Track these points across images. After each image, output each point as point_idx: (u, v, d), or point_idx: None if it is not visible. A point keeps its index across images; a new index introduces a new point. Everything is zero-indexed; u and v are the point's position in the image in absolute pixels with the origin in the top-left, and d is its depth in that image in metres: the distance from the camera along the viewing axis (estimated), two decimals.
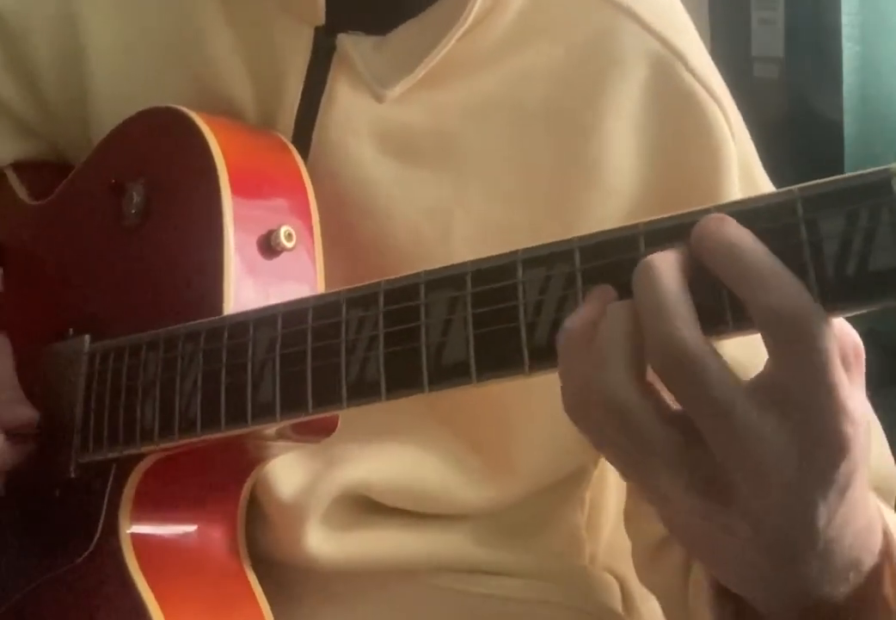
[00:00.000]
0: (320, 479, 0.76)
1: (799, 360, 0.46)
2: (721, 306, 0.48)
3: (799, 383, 0.47)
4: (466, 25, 0.73)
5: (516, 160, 0.75)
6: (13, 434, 0.74)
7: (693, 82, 0.75)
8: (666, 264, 0.48)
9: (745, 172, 0.76)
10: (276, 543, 0.76)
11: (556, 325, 0.52)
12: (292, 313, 0.63)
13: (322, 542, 0.76)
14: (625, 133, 0.74)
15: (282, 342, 0.62)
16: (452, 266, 0.57)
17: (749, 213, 0.48)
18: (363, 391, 0.58)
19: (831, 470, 0.48)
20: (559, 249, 0.53)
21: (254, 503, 0.76)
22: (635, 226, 0.51)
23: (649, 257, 0.49)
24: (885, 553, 0.54)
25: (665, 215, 0.50)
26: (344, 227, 0.76)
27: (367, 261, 0.77)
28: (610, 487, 0.93)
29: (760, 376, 0.48)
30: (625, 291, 0.50)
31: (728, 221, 0.48)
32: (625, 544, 0.89)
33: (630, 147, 0.75)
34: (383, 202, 0.76)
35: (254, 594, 0.72)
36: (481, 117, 0.76)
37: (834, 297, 0.45)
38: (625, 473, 0.52)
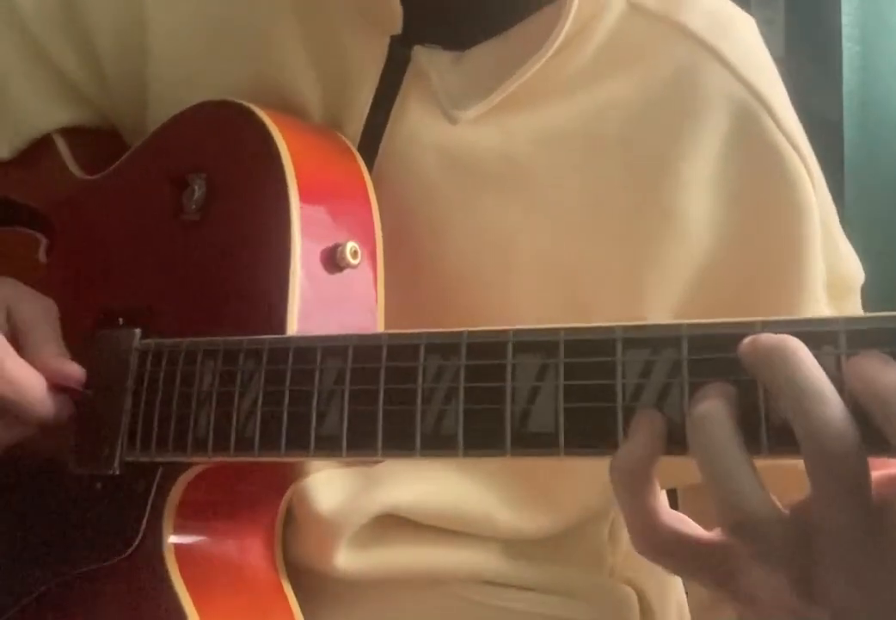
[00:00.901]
0: (360, 497, 0.75)
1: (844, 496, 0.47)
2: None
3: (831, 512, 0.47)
4: (551, 53, 0.71)
5: (587, 194, 0.74)
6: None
7: (777, 134, 0.73)
8: (722, 415, 0.48)
9: (825, 230, 0.75)
10: (305, 551, 0.76)
11: (658, 408, 0.51)
12: (364, 348, 0.61)
13: (352, 557, 0.76)
14: (702, 180, 0.73)
15: (352, 377, 0.61)
16: (544, 330, 0.55)
17: (880, 332, 0.47)
18: (439, 444, 0.58)
19: None
20: (665, 334, 0.51)
21: (291, 515, 0.75)
22: (752, 324, 0.49)
23: (702, 411, 0.49)
24: None
25: (786, 318, 0.49)
26: (403, 244, 0.74)
27: (423, 281, 0.76)
28: None
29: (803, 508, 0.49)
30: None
31: (799, 343, 0.47)
32: None
33: (707, 196, 0.73)
34: (445, 222, 0.75)
35: (289, 606, 0.72)
36: (554, 147, 0.74)
37: None
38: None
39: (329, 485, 0.75)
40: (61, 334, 0.76)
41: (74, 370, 0.72)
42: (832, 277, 0.77)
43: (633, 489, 0.51)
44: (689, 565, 0.53)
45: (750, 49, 0.78)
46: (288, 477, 0.73)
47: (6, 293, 0.75)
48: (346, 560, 0.76)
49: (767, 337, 0.48)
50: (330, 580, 0.78)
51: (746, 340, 0.48)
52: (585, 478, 0.77)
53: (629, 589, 0.90)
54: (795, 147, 0.73)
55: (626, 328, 0.53)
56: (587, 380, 0.53)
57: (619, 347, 0.53)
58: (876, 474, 0.48)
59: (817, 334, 0.48)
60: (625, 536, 0.92)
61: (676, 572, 0.55)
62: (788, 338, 0.48)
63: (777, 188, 0.73)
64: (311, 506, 0.75)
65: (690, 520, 0.53)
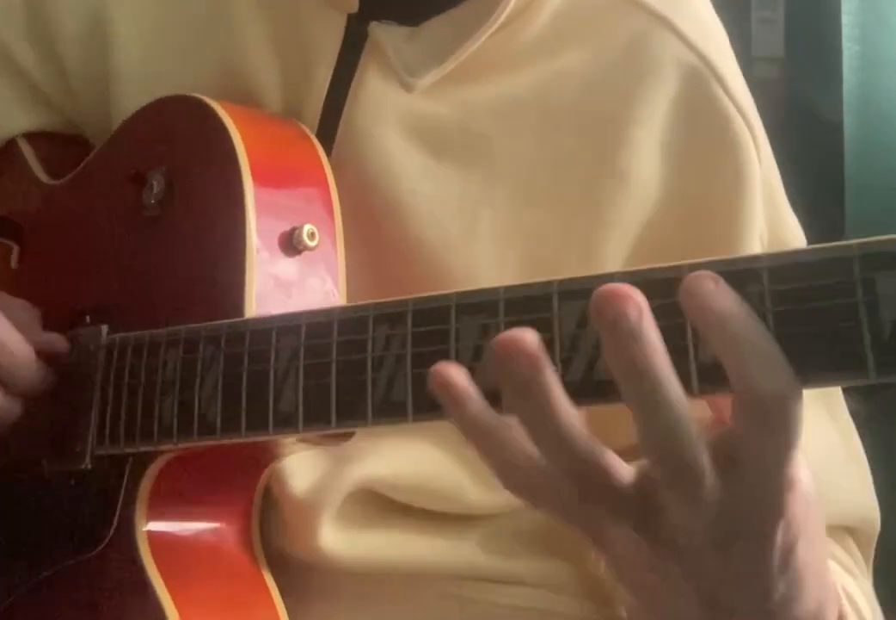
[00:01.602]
0: (333, 476, 0.75)
1: (769, 433, 0.47)
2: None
3: (756, 450, 0.48)
4: (500, 21, 0.72)
5: (545, 163, 0.75)
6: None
7: (726, 100, 0.74)
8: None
9: (768, 197, 0.76)
10: (290, 540, 0.76)
11: (591, 361, 0.51)
12: (317, 325, 0.62)
13: (336, 539, 0.76)
14: (652, 144, 0.74)
15: (305, 353, 0.62)
16: (485, 291, 0.56)
17: (802, 266, 0.46)
18: (389, 411, 0.58)
19: (767, 535, 0.49)
20: (599, 284, 0.51)
21: (268, 499, 0.76)
22: (680, 267, 0.49)
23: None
24: None
25: (713, 258, 0.49)
26: (367, 218, 0.75)
27: (389, 254, 0.76)
28: None
29: (725, 435, 0.49)
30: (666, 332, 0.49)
31: (722, 283, 0.47)
32: None
33: (656, 157, 0.74)
34: (408, 195, 0.75)
35: (269, 593, 0.72)
36: (511, 117, 0.75)
37: (889, 361, 0.44)
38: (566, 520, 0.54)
39: (302, 467, 0.75)
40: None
41: (56, 338, 0.74)
42: (773, 240, 0.78)
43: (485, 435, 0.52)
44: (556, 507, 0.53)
45: (701, 19, 0.79)
46: (260, 463, 0.73)
47: None
48: (331, 541, 0.76)
49: (690, 278, 0.48)
50: (317, 572, 0.78)
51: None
52: None
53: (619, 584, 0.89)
54: (742, 114, 0.75)
55: (561, 282, 0.53)
56: None
57: (556, 301, 0.53)
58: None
59: (741, 273, 0.48)
60: None
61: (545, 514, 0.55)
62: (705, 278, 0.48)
63: (720, 150, 0.74)
64: (287, 490, 0.75)
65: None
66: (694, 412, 0.49)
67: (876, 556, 0.78)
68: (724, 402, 0.51)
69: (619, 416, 0.51)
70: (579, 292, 0.52)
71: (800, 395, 0.47)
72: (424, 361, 0.57)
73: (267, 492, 0.76)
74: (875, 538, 0.79)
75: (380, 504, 0.78)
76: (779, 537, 0.50)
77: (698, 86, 0.74)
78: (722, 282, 0.47)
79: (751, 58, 1.85)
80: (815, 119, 1.80)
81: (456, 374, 0.51)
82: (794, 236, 0.82)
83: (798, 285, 0.46)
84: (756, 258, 0.48)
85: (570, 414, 0.50)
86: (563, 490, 0.52)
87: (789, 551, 0.51)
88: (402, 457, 0.76)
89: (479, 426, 0.52)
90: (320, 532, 0.75)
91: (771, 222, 0.78)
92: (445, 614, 0.79)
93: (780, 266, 0.47)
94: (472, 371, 0.55)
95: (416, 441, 0.76)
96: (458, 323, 0.56)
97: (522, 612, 0.80)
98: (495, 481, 0.53)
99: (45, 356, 0.73)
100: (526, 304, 0.54)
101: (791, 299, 0.46)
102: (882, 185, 1.68)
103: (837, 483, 0.77)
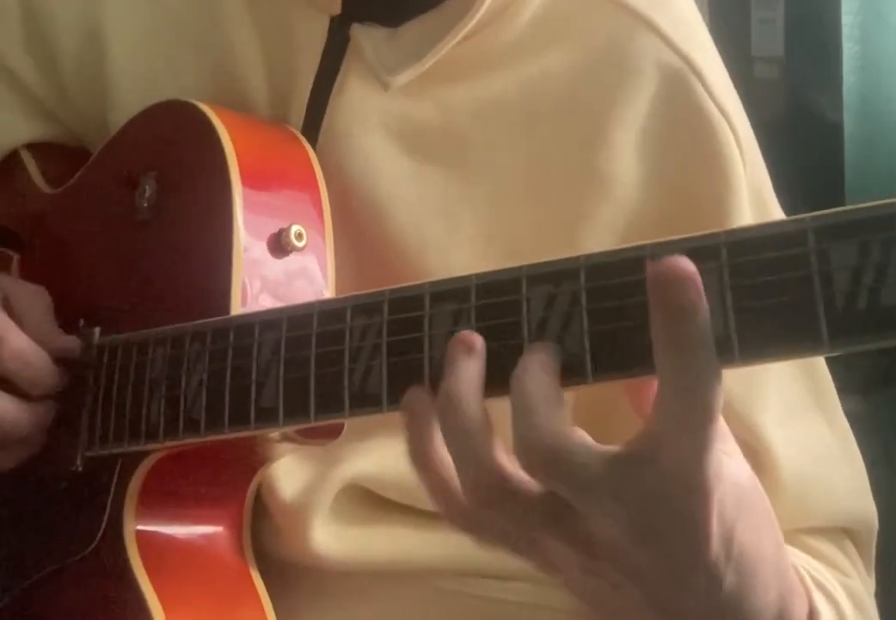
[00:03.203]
0: (321, 477, 0.76)
1: (688, 418, 0.47)
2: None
3: (676, 434, 0.48)
4: (476, 19, 0.73)
5: (525, 164, 0.75)
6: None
7: (707, 100, 0.73)
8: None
9: (755, 196, 0.75)
10: (281, 542, 0.76)
11: (559, 342, 0.51)
12: (298, 318, 0.62)
13: (327, 539, 0.76)
14: (631, 144, 0.73)
15: (286, 346, 0.62)
16: (457, 278, 0.56)
17: (758, 240, 0.46)
18: (365, 401, 0.58)
19: (700, 525, 0.49)
20: (565, 266, 0.51)
21: (258, 507, 0.76)
22: (642, 247, 0.49)
23: (520, 361, 0.51)
24: None
25: (674, 238, 0.49)
26: (348, 220, 0.75)
27: (370, 256, 0.76)
28: None
29: (637, 437, 0.49)
30: (626, 315, 0.49)
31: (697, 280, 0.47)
32: None
33: (636, 158, 0.73)
34: (388, 196, 0.75)
35: (258, 594, 0.72)
36: (492, 118, 0.75)
37: (842, 331, 0.44)
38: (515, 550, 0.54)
39: (291, 470, 0.75)
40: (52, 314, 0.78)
41: (69, 341, 0.74)
42: None
43: (427, 473, 0.54)
44: (498, 539, 0.54)
45: (684, 20, 0.78)
46: (251, 465, 0.73)
47: (2, 283, 0.77)
48: (323, 542, 0.76)
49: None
50: (309, 573, 0.78)
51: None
52: None
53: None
54: (725, 115, 0.73)
55: (530, 266, 0.53)
56: (497, 320, 0.53)
57: (525, 284, 0.53)
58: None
59: (700, 249, 0.48)
60: None
61: (493, 547, 0.55)
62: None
63: (701, 152, 0.73)
64: (277, 493, 0.75)
65: None
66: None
67: (875, 557, 0.77)
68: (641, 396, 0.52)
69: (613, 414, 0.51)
70: (547, 275, 0.52)
71: (719, 377, 0.47)
72: (399, 349, 0.57)
73: (257, 500, 0.76)
74: (874, 539, 0.78)
75: (370, 501, 0.78)
76: (713, 526, 0.49)
77: (680, 87, 0.73)
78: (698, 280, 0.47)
79: (751, 58, 1.83)
80: (815, 119, 1.79)
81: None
82: None
83: (755, 257, 0.46)
84: (715, 235, 0.48)
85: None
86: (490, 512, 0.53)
87: (728, 539, 0.50)
88: (388, 456, 0.75)
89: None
90: (312, 533, 0.75)
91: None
92: (438, 609, 0.79)
93: (738, 241, 0.47)
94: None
95: (400, 441, 0.76)
96: (432, 310, 0.56)
97: (515, 607, 0.79)
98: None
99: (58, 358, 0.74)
100: (496, 288, 0.54)
101: (748, 272, 0.46)
102: (882, 185, 1.67)
103: (832, 484, 0.76)
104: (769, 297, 0.45)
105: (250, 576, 0.73)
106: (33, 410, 0.73)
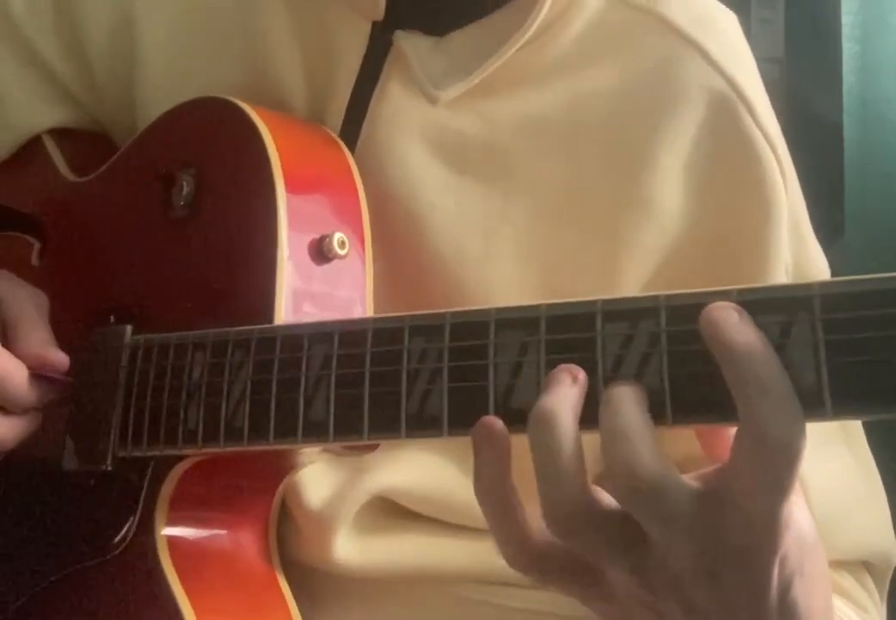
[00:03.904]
0: (348, 487, 0.75)
1: (768, 472, 0.48)
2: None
3: (753, 486, 0.48)
4: (529, 34, 0.72)
5: (568, 181, 0.74)
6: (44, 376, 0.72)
7: (753, 128, 0.73)
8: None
9: (793, 226, 0.75)
10: (304, 548, 0.76)
11: (638, 379, 0.51)
12: (350, 333, 0.62)
13: (350, 549, 0.76)
14: (677, 170, 0.73)
15: (338, 362, 0.61)
16: (525, 307, 0.56)
17: (854, 296, 0.47)
18: (424, 424, 0.58)
19: (764, 571, 0.50)
20: (644, 305, 0.51)
21: (282, 510, 0.76)
22: (729, 292, 0.50)
23: (614, 390, 0.51)
24: None
25: (764, 285, 0.49)
26: (385, 229, 0.75)
27: (406, 266, 0.76)
28: None
29: (715, 475, 0.50)
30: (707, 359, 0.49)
31: (745, 316, 0.48)
32: None
33: (680, 184, 0.73)
34: (427, 207, 0.75)
35: (285, 600, 0.72)
36: (535, 134, 0.74)
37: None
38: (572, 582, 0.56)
39: (318, 478, 0.75)
40: (50, 326, 0.75)
41: (56, 358, 0.72)
42: (797, 271, 0.77)
43: (496, 507, 0.54)
44: (560, 574, 0.55)
45: (732, 45, 0.78)
46: (281, 470, 0.73)
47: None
48: (345, 551, 0.76)
49: (712, 307, 0.49)
50: (330, 578, 0.78)
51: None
52: None
53: None
54: (770, 144, 0.73)
55: (606, 302, 0.53)
56: (569, 354, 0.53)
57: (600, 320, 0.53)
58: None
59: (792, 300, 0.48)
60: None
61: (549, 584, 0.56)
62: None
63: (747, 181, 0.73)
64: (303, 500, 0.75)
65: None
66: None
67: None
68: (714, 437, 0.53)
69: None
70: (623, 313, 0.52)
71: (804, 436, 0.48)
72: (461, 375, 0.57)
73: (282, 503, 0.76)
74: (890, 572, 0.79)
75: (395, 512, 0.78)
76: (774, 573, 0.50)
77: (726, 112, 0.73)
78: (745, 314, 0.48)
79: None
80: (815, 119, 1.80)
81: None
82: (819, 270, 0.81)
83: (850, 314, 0.46)
84: (808, 286, 0.48)
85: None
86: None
87: (786, 588, 0.51)
88: (418, 469, 0.76)
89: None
90: (335, 543, 0.75)
91: (796, 255, 0.77)
92: (459, 618, 0.79)
93: (832, 294, 0.47)
94: (511, 387, 0.55)
95: (431, 455, 0.76)
96: (498, 338, 0.56)
97: (536, 615, 0.80)
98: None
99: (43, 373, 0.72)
100: (568, 322, 0.54)
101: (843, 328, 0.46)
102: (882, 185, 1.68)
103: (856, 519, 0.77)
104: (863, 354, 0.46)
105: (277, 581, 0.73)
106: (13, 424, 0.71)
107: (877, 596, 0.78)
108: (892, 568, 0.79)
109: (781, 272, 0.75)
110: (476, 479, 0.54)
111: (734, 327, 0.48)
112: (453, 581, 0.79)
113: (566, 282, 0.74)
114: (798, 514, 0.51)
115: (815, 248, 0.80)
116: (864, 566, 0.78)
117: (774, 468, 0.48)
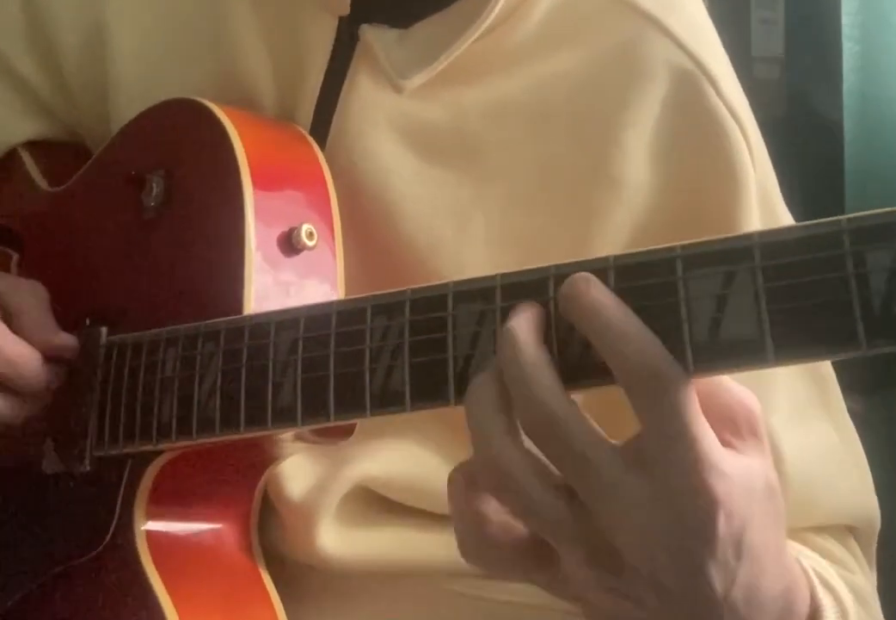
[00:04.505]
0: (329, 477, 0.76)
1: (657, 415, 0.48)
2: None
3: (656, 438, 0.49)
4: (489, 21, 0.73)
5: (537, 165, 0.75)
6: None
7: (717, 102, 0.74)
8: (524, 329, 0.51)
9: (764, 200, 0.75)
10: (288, 542, 0.76)
11: (587, 345, 0.51)
12: (315, 318, 0.62)
13: (334, 540, 0.76)
14: (642, 146, 0.74)
15: (304, 346, 0.62)
16: (481, 278, 0.56)
17: (793, 242, 0.47)
18: (387, 401, 0.58)
19: (708, 527, 0.49)
20: (592, 267, 0.52)
21: (265, 504, 0.76)
22: (673, 248, 0.50)
23: (510, 323, 0.51)
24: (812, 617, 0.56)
25: (706, 239, 0.49)
26: (358, 221, 0.75)
27: (380, 256, 0.76)
28: None
29: (631, 438, 0.50)
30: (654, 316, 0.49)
31: (594, 282, 0.50)
32: None
33: (647, 161, 0.74)
34: (399, 197, 0.75)
35: (268, 594, 0.72)
36: (502, 119, 0.75)
37: (879, 332, 0.44)
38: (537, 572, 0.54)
39: (299, 471, 0.75)
40: (49, 308, 0.77)
41: (66, 340, 0.74)
42: None
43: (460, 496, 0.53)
44: (513, 564, 0.54)
45: (694, 22, 0.78)
46: (260, 464, 0.73)
47: None
48: (328, 543, 0.76)
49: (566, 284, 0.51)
50: (315, 572, 0.78)
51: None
52: None
53: None
54: (735, 117, 0.74)
55: (557, 267, 0.53)
56: None
57: (552, 285, 0.53)
58: None
59: (733, 251, 0.48)
60: None
61: (504, 575, 0.56)
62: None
63: (713, 154, 0.73)
64: (284, 492, 0.75)
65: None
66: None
67: (877, 555, 0.79)
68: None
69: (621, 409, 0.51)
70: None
71: (682, 375, 0.48)
72: (422, 349, 0.57)
73: (264, 497, 0.76)
74: (875, 537, 0.79)
75: (378, 504, 0.78)
76: (719, 524, 0.49)
77: (690, 88, 0.74)
78: (594, 280, 0.50)
79: (751, 58, 1.84)
80: (815, 119, 1.80)
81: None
82: None
83: (789, 260, 0.46)
84: (748, 236, 0.48)
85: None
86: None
87: (738, 537, 0.50)
88: (396, 458, 0.76)
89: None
90: (319, 534, 0.75)
91: (766, 227, 0.77)
92: (442, 610, 0.79)
93: (771, 242, 0.47)
94: (470, 358, 0.55)
95: (408, 443, 0.76)
96: (456, 310, 0.56)
97: (518, 608, 0.79)
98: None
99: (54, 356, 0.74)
100: (523, 289, 0.54)
101: (783, 274, 0.46)
102: (882, 185, 1.67)
103: (838, 483, 0.77)
104: (804, 298, 0.46)
105: (260, 575, 0.73)
106: (22, 405, 0.73)
107: (863, 560, 0.77)
108: (877, 532, 0.78)
109: None
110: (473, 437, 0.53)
111: (585, 292, 0.50)
112: (436, 574, 0.78)
113: (539, 262, 0.74)
114: (739, 460, 0.50)
115: (787, 218, 0.81)
116: (848, 530, 0.77)
117: (665, 410, 0.48)
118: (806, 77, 1.85)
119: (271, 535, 0.76)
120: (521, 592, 0.80)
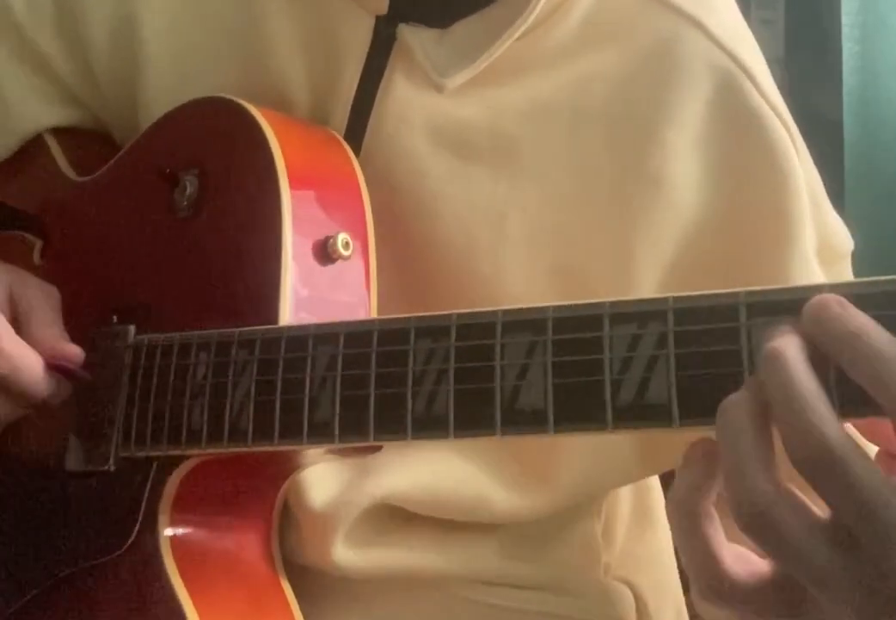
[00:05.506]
0: (352, 489, 0.75)
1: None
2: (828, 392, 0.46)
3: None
4: (530, 21, 0.72)
5: (574, 165, 0.75)
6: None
7: (761, 102, 0.74)
8: (794, 351, 0.46)
9: (811, 198, 0.75)
10: (304, 548, 0.76)
11: (643, 384, 0.51)
12: (356, 335, 0.62)
13: (349, 552, 0.76)
14: (687, 147, 0.74)
15: (343, 363, 0.61)
16: (532, 309, 0.56)
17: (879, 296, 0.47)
18: (430, 426, 0.58)
19: None
20: (651, 308, 0.52)
21: (285, 510, 0.76)
22: (736, 294, 0.50)
23: (776, 344, 0.46)
24: None
25: (769, 287, 0.49)
26: (394, 220, 0.75)
27: (415, 256, 0.76)
28: (623, 495, 0.93)
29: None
30: (714, 361, 0.49)
31: (848, 304, 0.46)
32: (638, 551, 0.90)
33: (692, 161, 0.74)
34: (436, 197, 0.75)
35: (287, 602, 0.72)
36: (540, 119, 0.75)
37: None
38: None
39: (322, 479, 0.75)
40: (62, 319, 0.76)
41: (72, 350, 0.72)
42: (821, 245, 0.78)
43: (688, 529, 0.49)
44: (755, 609, 0.49)
45: (730, 21, 0.78)
46: (284, 471, 0.73)
47: (10, 278, 0.75)
48: (344, 556, 0.76)
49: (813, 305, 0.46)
50: (329, 578, 0.78)
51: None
52: (577, 457, 0.77)
53: (624, 587, 0.89)
54: (778, 114, 0.74)
55: (613, 304, 0.53)
56: (576, 356, 0.53)
57: (607, 322, 0.53)
58: None
59: (803, 302, 0.48)
60: (619, 534, 0.92)
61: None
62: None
63: (760, 152, 0.73)
64: (305, 501, 0.75)
65: (752, 555, 0.50)
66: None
67: None
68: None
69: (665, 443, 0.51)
70: (630, 315, 0.52)
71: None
72: (468, 376, 0.57)
73: (287, 504, 0.76)
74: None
75: (396, 517, 0.78)
76: None
77: (732, 87, 0.74)
78: (844, 301, 0.46)
79: None
80: (816, 119, 1.81)
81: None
82: (840, 241, 0.82)
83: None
84: (818, 287, 0.48)
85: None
86: None
87: None
88: (424, 470, 0.76)
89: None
90: (334, 546, 0.75)
91: (818, 226, 0.77)
92: (454, 616, 0.79)
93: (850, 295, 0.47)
94: (518, 389, 0.55)
95: (439, 452, 0.76)
96: (504, 339, 0.56)
97: (529, 615, 0.80)
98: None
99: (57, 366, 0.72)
100: (575, 324, 0.54)
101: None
102: (882, 185, 1.68)
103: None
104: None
105: (280, 582, 0.73)
106: (14, 409, 0.72)
107: None
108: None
109: (807, 236, 0.74)
110: (674, 491, 0.50)
111: (842, 317, 0.46)
112: (448, 581, 0.79)
113: (577, 264, 0.74)
114: None
115: (833, 215, 0.81)
116: None
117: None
118: (806, 77, 1.85)
119: (288, 540, 0.76)
120: (530, 599, 0.81)
